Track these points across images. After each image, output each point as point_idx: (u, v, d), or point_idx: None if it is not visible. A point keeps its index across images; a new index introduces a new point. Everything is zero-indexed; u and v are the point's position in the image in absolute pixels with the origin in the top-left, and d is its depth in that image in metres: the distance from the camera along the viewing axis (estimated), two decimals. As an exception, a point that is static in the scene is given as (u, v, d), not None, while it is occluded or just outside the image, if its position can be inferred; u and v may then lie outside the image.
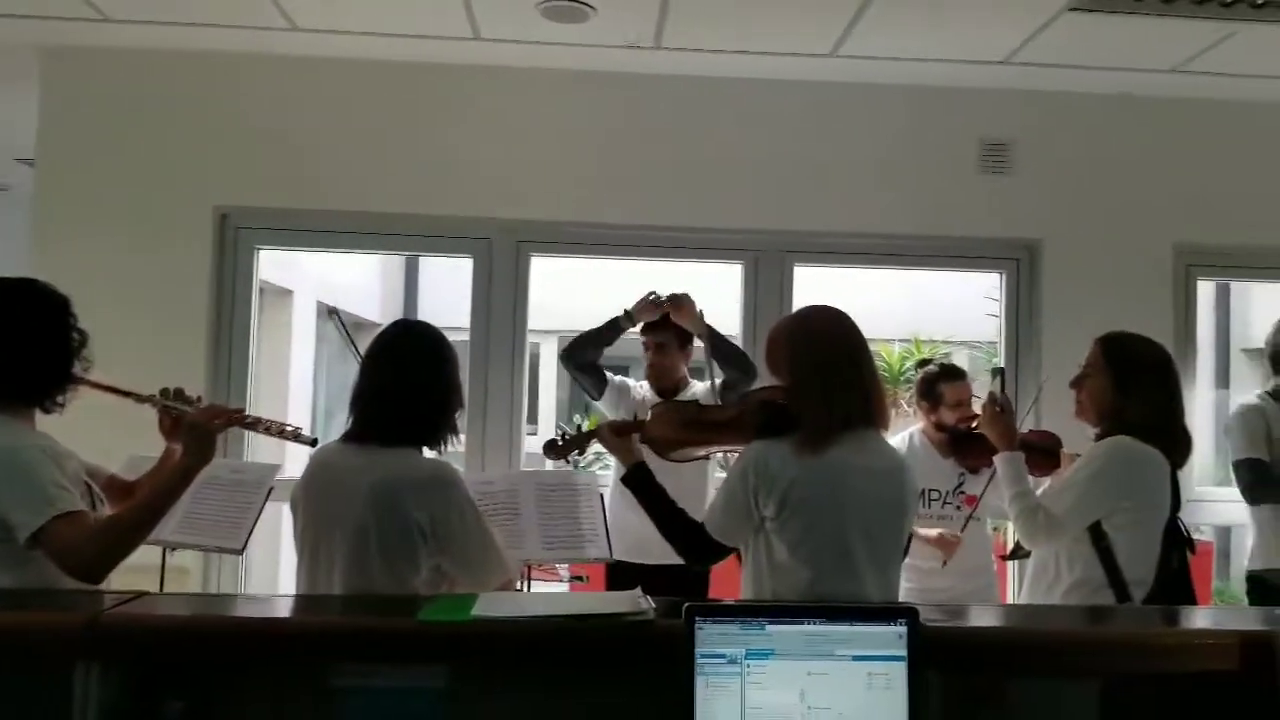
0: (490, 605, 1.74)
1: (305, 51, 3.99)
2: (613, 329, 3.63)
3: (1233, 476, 3.51)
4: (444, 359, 2.19)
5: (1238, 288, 8.31)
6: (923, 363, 3.73)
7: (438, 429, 2.17)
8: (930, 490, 3.45)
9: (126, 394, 2.26)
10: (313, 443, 2.28)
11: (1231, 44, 3.67)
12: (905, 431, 3.67)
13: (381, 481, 2.05)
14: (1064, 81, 4.10)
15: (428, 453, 2.17)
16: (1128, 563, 2.45)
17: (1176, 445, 2.56)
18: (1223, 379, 8.54)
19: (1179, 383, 2.61)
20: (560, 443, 2.72)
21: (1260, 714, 1.57)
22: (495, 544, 2.17)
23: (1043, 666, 1.74)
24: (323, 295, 6.87)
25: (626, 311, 3.64)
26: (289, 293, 6.15)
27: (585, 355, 3.65)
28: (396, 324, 2.32)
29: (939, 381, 3.51)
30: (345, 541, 2.05)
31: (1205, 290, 5.51)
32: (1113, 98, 4.21)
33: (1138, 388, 2.53)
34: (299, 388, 6.38)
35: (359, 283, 7.95)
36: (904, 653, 1.55)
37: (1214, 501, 4.08)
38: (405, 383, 2.13)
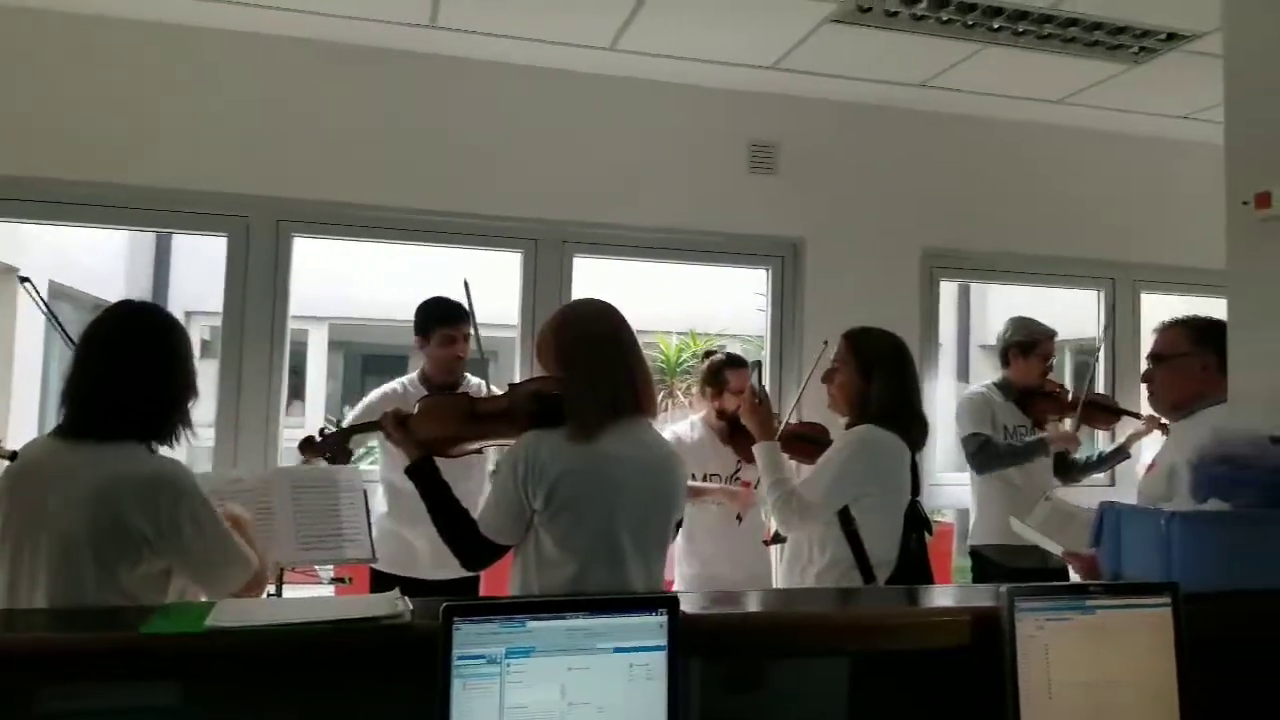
0: (226, 614, 1.59)
1: (38, 3, 3.56)
2: None
3: (963, 452, 3.92)
4: (172, 343, 2.00)
5: (977, 289, 9.13)
6: (709, 353, 3.89)
7: (166, 423, 1.97)
8: (711, 475, 3.64)
9: None
10: (12, 457, 2.02)
11: (974, 63, 3.98)
12: (689, 419, 3.83)
13: (98, 484, 1.85)
14: (826, 89, 4.31)
15: (158, 449, 1.97)
16: (873, 544, 2.62)
17: (914, 427, 2.76)
18: (963, 372, 9.32)
19: (914, 369, 2.83)
20: (319, 439, 2.54)
21: (988, 682, 1.68)
22: (234, 545, 1.99)
23: (794, 648, 1.80)
24: (58, 276, 6.19)
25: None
26: (13, 270, 5.50)
27: None
28: (117, 305, 2.08)
29: (724, 369, 3.66)
30: (53, 551, 1.84)
31: (949, 291, 6.01)
32: (869, 107, 4.48)
33: (878, 375, 2.73)
34: (24, 378, 5.72)
35: (103, 263, 7.24)
36: (664, 642, 1.56)
37: (954, 485, 4.45)
38: (126, 371, 1.93)
